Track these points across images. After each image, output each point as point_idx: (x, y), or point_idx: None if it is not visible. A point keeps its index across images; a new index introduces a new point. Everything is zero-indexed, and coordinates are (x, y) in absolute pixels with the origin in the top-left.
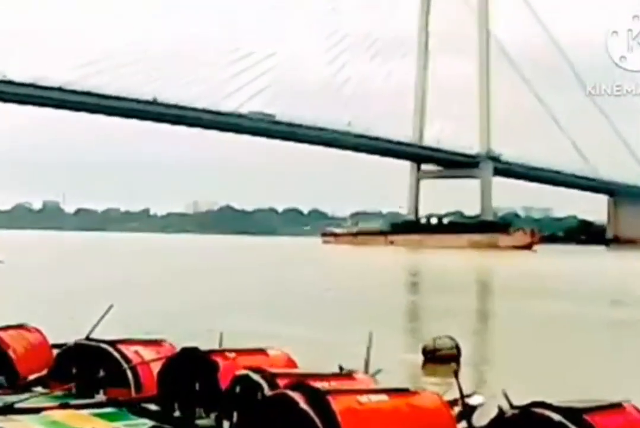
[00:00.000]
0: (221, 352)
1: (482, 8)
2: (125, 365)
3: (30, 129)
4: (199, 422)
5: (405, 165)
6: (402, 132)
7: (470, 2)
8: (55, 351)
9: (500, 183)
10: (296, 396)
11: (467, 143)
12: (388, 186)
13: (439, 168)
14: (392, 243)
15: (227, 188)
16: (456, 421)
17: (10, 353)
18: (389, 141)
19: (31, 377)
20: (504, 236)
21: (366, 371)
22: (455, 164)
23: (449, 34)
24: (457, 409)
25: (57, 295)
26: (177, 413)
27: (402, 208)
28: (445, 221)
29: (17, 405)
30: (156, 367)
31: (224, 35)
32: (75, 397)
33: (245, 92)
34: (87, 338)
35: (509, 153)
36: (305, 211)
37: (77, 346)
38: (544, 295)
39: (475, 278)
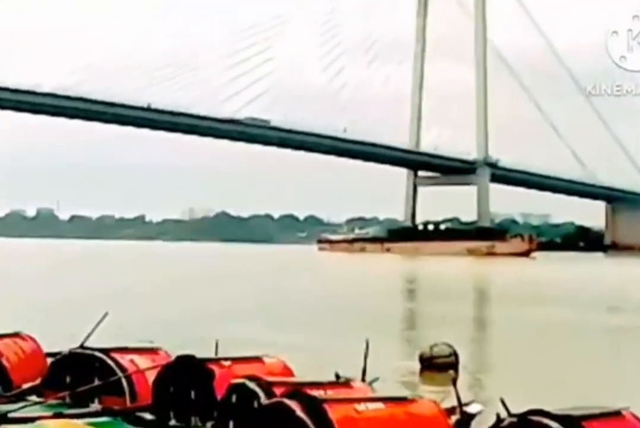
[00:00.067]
0: (217, 360)
1: (479, 14)
2: (120, 374)
3: (23, 136)
4: None
5: (402, 171)
6: (399, 138)
7: (468, 8)
8: (49, 360)
9: (498, 189)
10: (293, 404)
11: (465, 149)
12: (385, 192)
13: (436, 174)
14: (388, 250)
15: (223, 194)
16: None
17: (4, 361)
18: (386, 148)
19: (25, 386)
20: (502, 243)
21: (363, 379)
22: (453, 170)
23: (446, 40)
24: (454, 417)
25: (52, 303)
26: (172, 422)
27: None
28: (442, 227)
29: (10, 415)
30: (151, 376)
31: (220, 40)
32: (69, 406)
33: (242, 97)
34: (82, 346)
35: (507, 159)
36: (301, 218)
37: (72, 354)
38: (541, 302)
39: (472, 286)
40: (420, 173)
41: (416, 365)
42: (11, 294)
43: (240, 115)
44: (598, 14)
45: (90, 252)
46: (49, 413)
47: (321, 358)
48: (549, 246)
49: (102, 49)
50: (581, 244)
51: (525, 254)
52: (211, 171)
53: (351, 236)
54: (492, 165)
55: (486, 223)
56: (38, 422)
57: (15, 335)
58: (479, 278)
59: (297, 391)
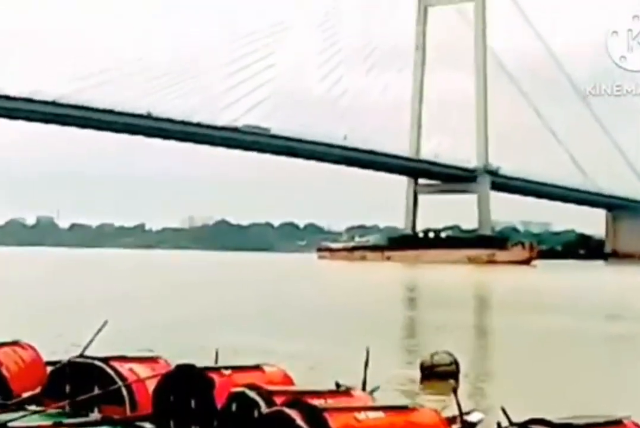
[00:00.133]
0: (217, 369)
1: (479, 21)
2: (120, 383)
3: (23, 144)
4: None
5: (403, 179)
6: (399, 146)
7: (467, 15)
8: (49, 369)
9: (498, 197)
10: (293, 413)
11: (465, 157)
12: (385, 200)
13: (437, 182)
14: (388, 258)
15: (222, 202)
16: None
17: (4, 370)
18: (386, 155)
19: (25, 395)
20: (502, 251)
21: (364, 388)
22: (453, 178)
23: (446, 47)
24: (455, 426)
25: (51, 311)
26: None
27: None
28: (442, 235)
29: (10, 424)
30: (151, 385)
31: (220, 47)
32: (69, 416)
33: (241, 105)
34: (81, 355)
35: (507, 167)
36: (301, 226)
37: (71, 363)
38: (542, 310)
39: (473, 294)
40: (421, 181)
41: (416, 374)
42: (11, 302)
43: (240, 123)
44: (598, 14)
45: (89, 260)
46: (49, 423)
47: (321, 367)
48: (549, 254)
49: (101, 56)
50: (582, 252)
51: (526, 262)
52: (211, 179)
53: (351, 244)
54: (493, 173)
55: (487, 231)
56: None
57: (15, 343)
58: (480, 286)
59: (297, 400)
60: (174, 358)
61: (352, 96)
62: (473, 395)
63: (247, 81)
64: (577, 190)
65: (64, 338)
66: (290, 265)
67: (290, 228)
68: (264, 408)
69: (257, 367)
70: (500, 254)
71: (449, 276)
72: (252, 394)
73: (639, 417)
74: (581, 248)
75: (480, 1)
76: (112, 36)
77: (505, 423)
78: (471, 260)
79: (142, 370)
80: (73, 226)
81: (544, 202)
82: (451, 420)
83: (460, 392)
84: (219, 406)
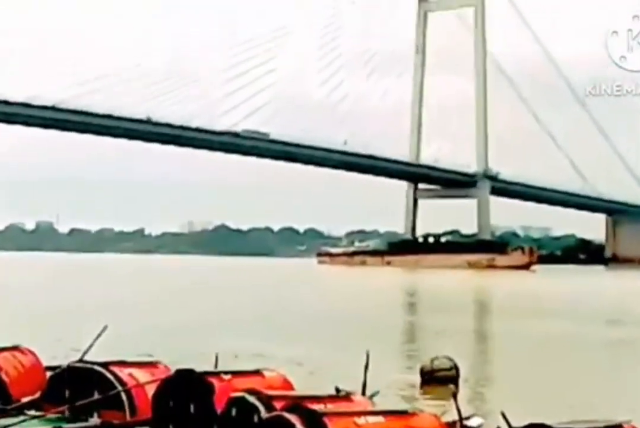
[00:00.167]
0: (217, 374)
1: (478, 26)
2: (119, 388)
3: (22, 149)
4: None
5: (402, 184)
6: (399, 151)
7: (467, 20)
8: (48, 374)
9: (498, 202)
10: (293, 418)
11: (465, 162)
12: (385, 205)
13: (437, 187)
14: (388, 263)
15: (222, 207)
16: None
17: (3, 375)
18: (386, 160)
19: (24, 400)
20: (502, 256)
21: (363, 393)
22: (453, 183)
23: (445, 52)
24: None
25: (50, 316)
26: None
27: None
28: (442, 240)
29: None
30: (151, 390)
31: (220, 53)
32: (68, 421)
33: (241, 110)
34: (81, 360)
35: (507, 172)
36: (301, 230)
37: (71, 368)
38: (542, 315)
39: (473, 299)
40: (421, 186)
41: (416, 379)
42: (10, 307)
43: (239, 128)
44: (598, 15)
45: (89, 265)
46: None
47: (321, 372)
48: (549, 259)
49: (100, 61)
50: (582, 257)
51: (526, 267)
52: (210, 184)
53: (351, 249)
54: (493, 178)
55: (487, 236)
56: None
57: (15, 348)
58: (480, 291)
59: (297, 405)
60: (174, 363)
61: (352, 100)
62: (473, 400)
63: (247, 86)
64: (576, 195)
65: (63, 343)
66: (290, 270)
67: (290, 232)
68: (264, 413)
69: (256, 372)
70: (500, 259)
71: (448, 281)
72: (251, 399)
73: (639, 422)
74: (581, 252)
75: (479, 6)
76: (111, 41)
77: (505, 427)
78: (471, 265)
79: (142, 375)
80: (72, 231)
81: (544, 207)
82: (451, 425)
83: (460, 396)
84: (218, 411)
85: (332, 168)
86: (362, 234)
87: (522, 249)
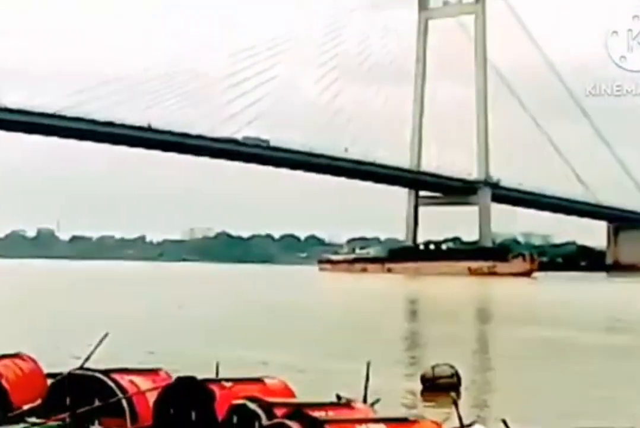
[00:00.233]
0: (218, 381)
1: (479, 34)
2: (120, 395)
3: (23, 156)
4: None
5: (403, 191)
6: (400, 158)
7: (468, 28)
8: (49, 381)
9: (499, 209)
10: (294, 425)
11: (466, 169)
12: (386, 212)
13: (437, 194)
14: (389, 270)
15: (223, 214)
16: None
17: (4, 382)
18: (387, 167)
19: (25, 407)
20: (503, 263)
21: (365, 400)
22: (454, 190)
23: (446, 59)
24: None
25: (51, 324)
26: None
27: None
28: (443, 247)
29: None
30: (152, 397)
31: (221, 60)
32: None
33: (242, 117)
34: (82, 367)
35: (508, 179)
36: (302, 237)
37: (72, 375)
38: (543, 323)
39: (474, 306)
40: (422, 193)
41: (417, 386)
42: (11, 315)
43: (240, 135)
44: (598, 15)
45: (90, 272)
46: None
47: (322, 379)
48: (550, 266)
49: (101, 67)
50: (583, 264)
51: (527, 274)
52: (211, 191)
53: (352, 256)
54: (493, 185)
55: (487, 243)
56: None
57: (16, 355)
58: (481, 298)
59: (298, 412)
60: (175, 370)
61: (353, 108)
62: (474, 407)
63: (248, 94)
64: (577, 202)
65: (62, 351)
66: (292, 277)
67: (291, 239)
68: (265, 421)
69: (258, 379)
70: (501, 266)
71: (449, 288)
72: (253, 406)
73: None
74: (582, 259)
75: (480, 14)
76: (113, 47)
77: None
78: (472, 272)
79: (143, 382)
80: (74, 238)
81: (545, 214)
82: None
83: (461, 403)
84: (219, 418)
85: (333, 175)
86: (363, 242)
87: (523, 256)
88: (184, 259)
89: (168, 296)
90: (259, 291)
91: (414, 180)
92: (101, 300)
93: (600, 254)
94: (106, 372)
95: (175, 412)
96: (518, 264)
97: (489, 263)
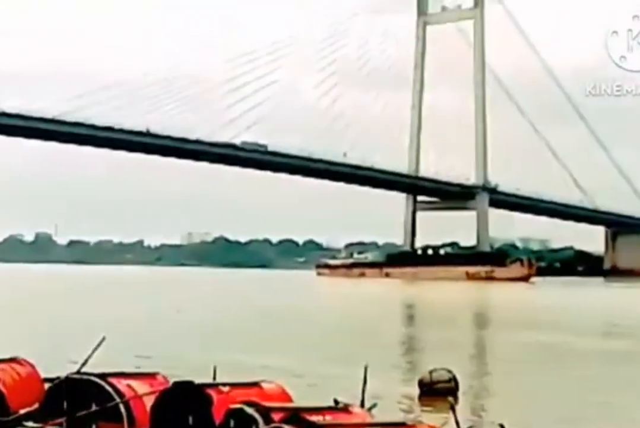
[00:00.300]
0: (215, 386)
1: (477, 39)
2: (117, 399)
3: (22, 161)
4: None
5: (401, 196)
6: (398, 163)
7: (467, 33)
8: (46, 385)
9: (497, 214)
10: None
11: (464, 174)
12: (384, 217)
13: (435, 199)
14: (387, 275)
15: (221, 218)
16: None
17: (1, 386)
18: (385, 172)
19: (22, 411)
20: (501, 268)
21: (362, 405)
22: (452, 195)
23: (445, 64)
24: None
25: (49, 328)
26: None
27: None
28: (441, 252)
29: None
30: (149, 401)
31: (220, 65)
32: None
33: (240, 122)
34: (79, 371)
35: (506, 184)
36: (300, 242)
37: (69, 380)
38: (540, 328)
39: (471, 311)
40: (420, 198)
41: (415, 391)
42: (9, 319)
43: (238, 140)
44: (598, 15)
45: (88, 277)
46: None
47: (320, 383)
48: (548, 271)
49: (101, 72)
50: (580, 269)
51: (525, 279)
52: (209, 196)
53: (350, 261)
54: (491, 190)
55: (485, 248)
56: None
57: (13, 360)
58: (478, 303)
59: (295, 416)
60: (169, 372)
61: (352, 113)
62: (472, 412)
63: (247, 99)
64: (575, 207)
65: (59, 354)
66: (289, 282)
67: (289, 244)
68: (262, 425)
69: (255, 384)
70: (499, 271)
71: (447, 293)
72: (250, 411)
73: None
74: (580, 264)
75: (478, 19)
76: (112, 51)
77: None
78: (470, 277)
79: (140, 387)
80: (71, 242)
81: (543, 219)
82: None
83: (458, 408)
84: (217, 423)
85: (331, 180)
86: (361, 246)
87: (521, 261)
88: (182, 264)
89: (166, 301)
90: (257, 295)
91: (412, 185)
92: (99, 304)
93: (598, 259)
94: (103, 376)
95: (172, 416)
96: (516, 269)
97: (487, 268)
